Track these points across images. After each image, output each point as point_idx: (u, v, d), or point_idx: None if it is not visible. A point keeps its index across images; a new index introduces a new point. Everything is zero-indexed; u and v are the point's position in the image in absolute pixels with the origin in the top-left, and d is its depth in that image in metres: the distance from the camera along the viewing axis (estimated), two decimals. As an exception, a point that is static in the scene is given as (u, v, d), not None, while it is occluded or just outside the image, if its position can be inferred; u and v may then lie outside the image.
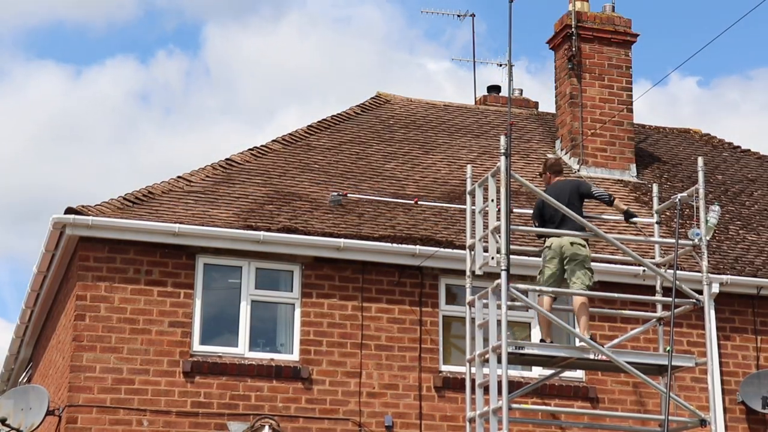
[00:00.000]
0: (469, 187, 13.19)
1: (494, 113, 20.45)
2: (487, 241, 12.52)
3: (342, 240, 15.14)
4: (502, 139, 12.46)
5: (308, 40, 47.62)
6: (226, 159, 16.95)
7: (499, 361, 12.03)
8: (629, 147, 18.79)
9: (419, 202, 16.23)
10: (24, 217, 48.38)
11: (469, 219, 13.10)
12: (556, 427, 15.09)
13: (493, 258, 12.31)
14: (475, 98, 21.39)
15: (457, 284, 15.25)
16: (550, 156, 16.81)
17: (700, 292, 12.85)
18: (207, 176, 16.38)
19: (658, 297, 13.58)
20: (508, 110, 19.49)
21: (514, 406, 12.15)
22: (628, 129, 18.86)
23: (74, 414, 14.20)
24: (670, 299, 12.46)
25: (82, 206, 14.79)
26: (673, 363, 12.51)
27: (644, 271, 14.04)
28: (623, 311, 14.49)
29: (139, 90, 50.83)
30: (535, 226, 13.31)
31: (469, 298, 12.87)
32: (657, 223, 13.98)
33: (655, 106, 43.16)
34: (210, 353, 14.78)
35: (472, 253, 12.86)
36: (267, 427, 14.55)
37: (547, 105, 20.81)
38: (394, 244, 15.28)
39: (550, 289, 12.75)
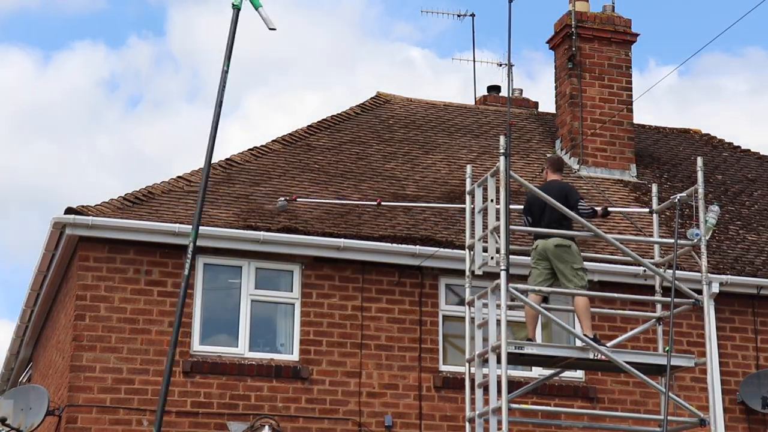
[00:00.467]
0: (468, 187, 13.17)
1: (494, 113, 20.44)
2: (486, 241, 12.51)
3: (342, 240, 15.14)
4: (502, 139, 12.43)
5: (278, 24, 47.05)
6: (226, 159, 16.94)
7: (499, 361, 12.01)
8: (629, 147, 18.78)
9: (383, 203, 16.12)
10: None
11: (468, 219, 13.07)
12: (555, 427, 15.07)
13: (492, 258, 12.29)
14: (475, 98, 21.40)
15: (457, 284, 15.26)
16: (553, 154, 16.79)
17: (700, 292, 12.83)
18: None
19: (658, 297, 13.56)
20: (508, 110, 19.48)
21: (514, 406, 12.12)
22: (628, 129, 18.86)
23: (74, 414, 14.21)
24: (670, 299, 12.44)
25: (82, 206, 14.79)
26: (673, 363, 12.49)
27: (644, 271, 14.03)
28: (623, 311, 14.48)
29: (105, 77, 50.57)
30: (526, 223, 13.21)
31: (468, 297, 12.86)
32: (651, 212, 13.92)
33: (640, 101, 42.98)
34: (210, 353, 14.78)
35: (472, 253, 12.84)
36: (267, 427, 14.55)
37: (547, 105, 20.84)
38: (394, 244, 15.29)
39: (550, 289, 12.68)
